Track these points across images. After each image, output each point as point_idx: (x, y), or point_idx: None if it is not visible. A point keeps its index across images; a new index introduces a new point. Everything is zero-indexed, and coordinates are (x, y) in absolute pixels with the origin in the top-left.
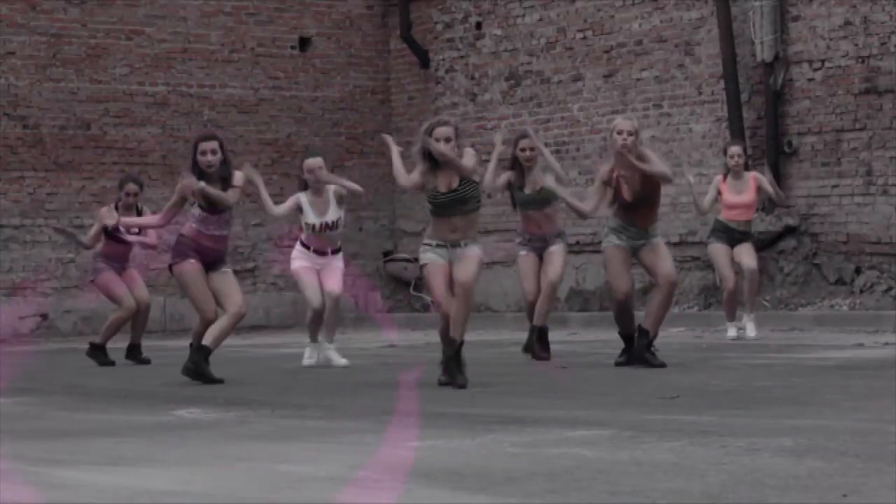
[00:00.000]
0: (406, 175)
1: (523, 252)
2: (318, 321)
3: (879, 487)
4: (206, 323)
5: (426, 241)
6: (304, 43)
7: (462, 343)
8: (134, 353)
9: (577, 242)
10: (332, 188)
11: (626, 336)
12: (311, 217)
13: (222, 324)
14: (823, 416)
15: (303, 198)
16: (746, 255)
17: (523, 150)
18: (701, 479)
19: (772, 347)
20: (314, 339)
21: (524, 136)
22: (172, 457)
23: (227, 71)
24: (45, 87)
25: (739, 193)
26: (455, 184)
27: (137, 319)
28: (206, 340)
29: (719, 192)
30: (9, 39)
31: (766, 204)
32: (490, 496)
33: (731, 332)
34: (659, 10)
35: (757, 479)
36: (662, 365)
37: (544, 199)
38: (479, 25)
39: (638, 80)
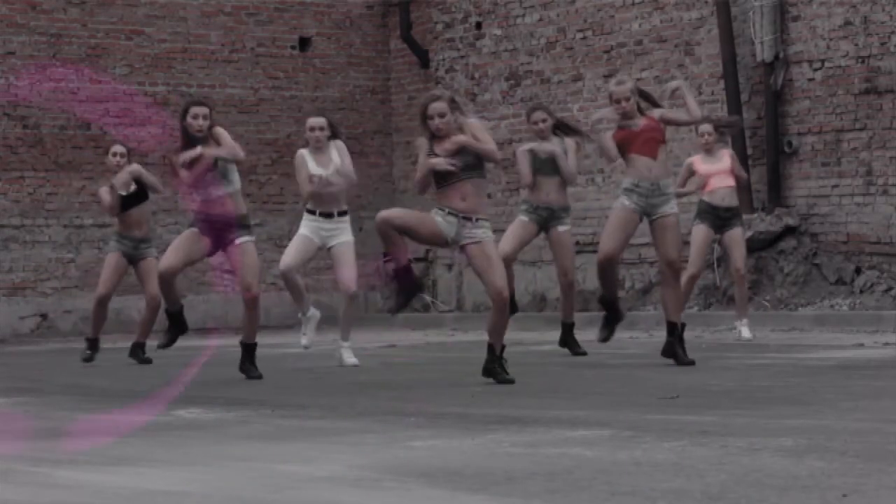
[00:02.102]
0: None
1: (525, 218)
2: (292, 287)
3: (879, 487)
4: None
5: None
6: (304, 43)
7: (503, 348)
8: (136, 352)
9: (577, 242)
10: (333, 145)
11: (607, 302)
12: (314, 168)
13: (244, 317)
14: (823, 416)
15: (305, 153)
16: (736, 249)
17: (535, 122)
18: (701, 479)
19: (772, 347)
20: (302, 309)
21: (537, 108)
22: (172, 457)
23: (227, 71)
24: (45, 87)
25: (714, 164)
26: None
27: (146, 317)
28: (244, 338)
29: (693, 172)
30: (9, 39)
31: (766, 204)
32: (490, 496)
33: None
34: (659, 10)
35: (757, 479)
36: (691, 363)
37: (556, 166)
38: (479, 25)
39: (638, 80)
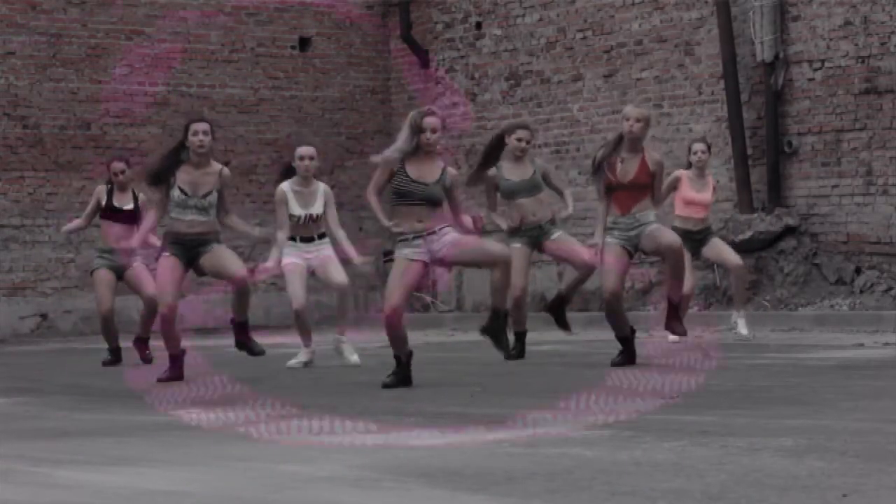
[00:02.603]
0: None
1: (517, 245)
2: (302, 324)
3: (879, 487)
4: (151, 310)
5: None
6: (304, 43)
7: (506, 313)
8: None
9: None
10: (321, 185)
11: (621, 339)
12: (295, 208)
13: (236, 297)
14: (823, 416)
15: (286, 188)
16: (724, 251)
17: (520, 139)
18: (701, 479)
19: (772, 347)
20: (306, 343)
21: (522, 126)
22: (172, 457)
23: (227, 71)
24: (45, 87)
25: (699, 191)
26: (432, 178)
27: (144, 314)
28: (238, 317)
29: (675, 188)
30: (9, 39)
31: (766, 204)
32: (490, 496)
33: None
34: (659, 10)
35: (757, 479)
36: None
37: (535, 184)
38: (479, 25)
39: (638, 80)
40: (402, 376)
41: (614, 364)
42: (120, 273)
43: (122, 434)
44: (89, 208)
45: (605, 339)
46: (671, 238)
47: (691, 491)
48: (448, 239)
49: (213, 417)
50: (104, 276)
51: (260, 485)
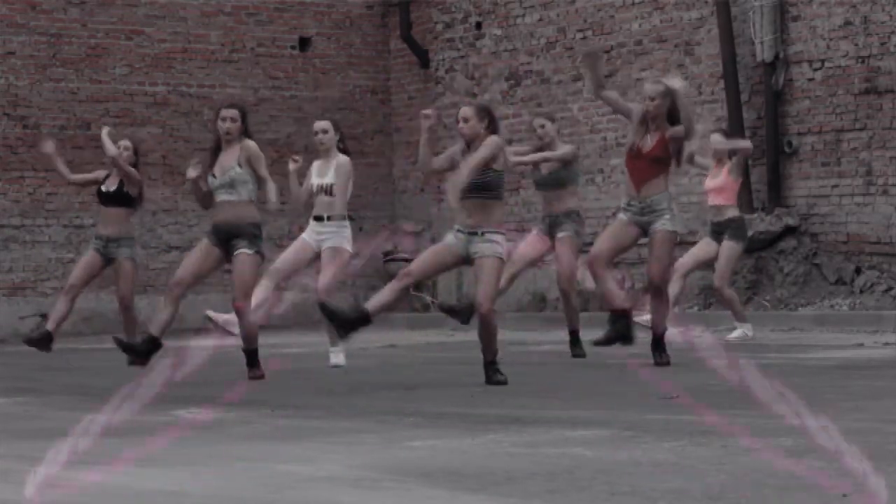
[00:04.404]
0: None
1: (534, 230)
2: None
3: (879, 488)
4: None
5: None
6: (304, 43)
7: (495, 354)
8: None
9: None
10: (340, 157)
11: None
12: (314, 177)
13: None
14: (823, 416)
15: (313, 165)
16: (720, 262)
17: (538, 127)
18: (701, 479)
19: (772, 347)
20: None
21: (540, 115)
22: (172, 457)
23: (227, 71)
24: (45, 87)
25: (713, 177)
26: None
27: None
28: (243, 345)
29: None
30: (9, 39)
31: (766, 204)
32: (490, 496)
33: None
34: (659, 10)
35: (757, 479)
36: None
37: (557, 180)
38: (479, 25)
39: (638, 80)
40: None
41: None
42: (108, 260)
43: (123, 434)
44: (86, 176)
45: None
46: (654, 268)
47: (691, 491)
48: (481, 248)
49: (213, 417)
50: (87, 258)
51: (260, 485)
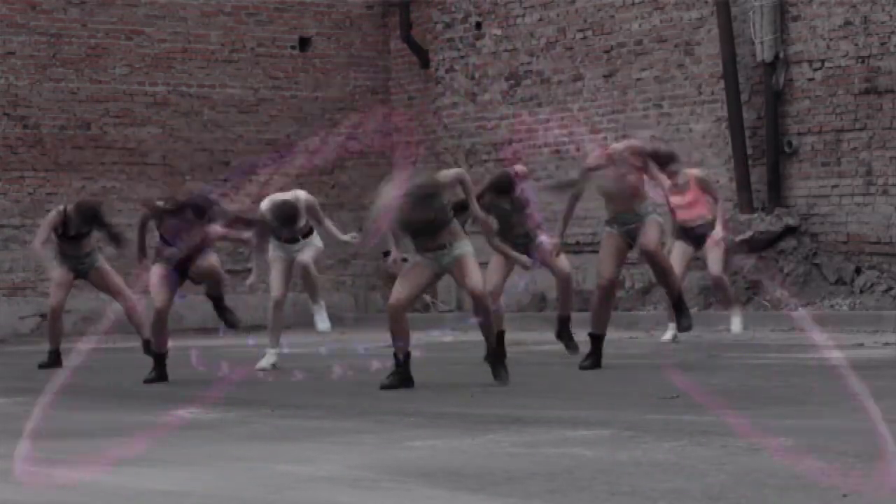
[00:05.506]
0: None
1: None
2: (279, 316)
3: (879, 487)
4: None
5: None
6: (304, 43)
7: (501, 339)
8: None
9: (577, 242)
10: (300, 195)
11: (596, 336)
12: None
13: None
14: (823, 416)
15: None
16: (710, 257)
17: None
18: (701, 479)
19: (772, 347)
20: (274, 344)
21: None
22: (172, 457)
23: (227, 71)
24: (45, 87)
25: (678, 194)
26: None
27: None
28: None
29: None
30: (9, 39)
31: (766, 204)
32: (490, 496)
33: (667, 334)
34: (659, 10)
35: (757, 479)
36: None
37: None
38: (479, 25)
39: (638, 80)
40: (401, 377)
41: (583, 367)
42: (81, 273)
43: (122, 434)
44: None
45: (605, 339)
46: (648, 238)
47: (691, 491)
48: (454, 254)
49: (213, 417)
50: (61, 275)
51: (259, 485)
